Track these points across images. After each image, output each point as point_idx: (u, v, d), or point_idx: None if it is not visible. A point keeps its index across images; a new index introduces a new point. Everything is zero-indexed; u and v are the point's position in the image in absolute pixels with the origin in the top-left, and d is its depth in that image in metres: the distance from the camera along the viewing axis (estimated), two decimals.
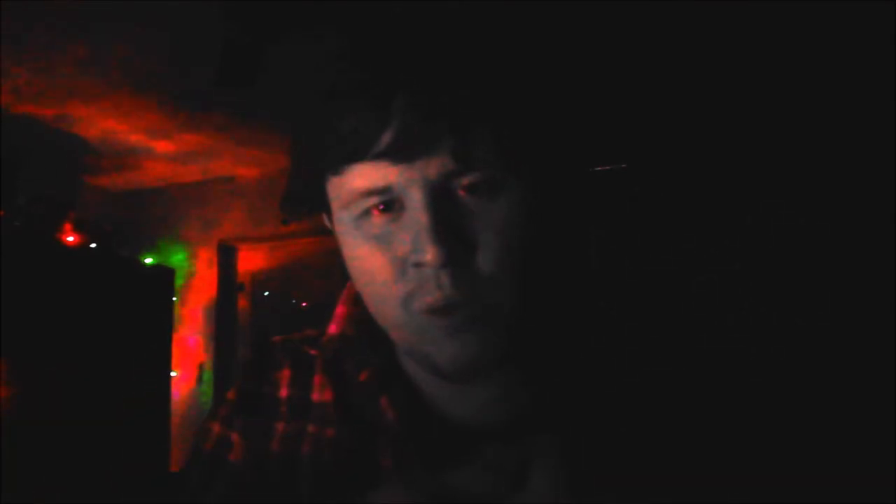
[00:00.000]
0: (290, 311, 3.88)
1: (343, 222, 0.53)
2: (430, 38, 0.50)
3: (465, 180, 0.49)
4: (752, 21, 2.21)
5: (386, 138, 0.47)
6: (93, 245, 2.91)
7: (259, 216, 3.54)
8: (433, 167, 0.48)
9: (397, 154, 0.47)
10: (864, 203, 2.39)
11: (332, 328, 0.63)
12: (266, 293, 3.97)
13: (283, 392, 0.62)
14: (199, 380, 3.50)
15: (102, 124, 2.95)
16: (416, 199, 0.48)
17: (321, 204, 0.55)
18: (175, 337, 3.22)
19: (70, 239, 2.84)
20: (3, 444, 2.21)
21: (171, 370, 3.12)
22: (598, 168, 2.61)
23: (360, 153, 0.48)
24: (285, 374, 0.63)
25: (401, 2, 0.52)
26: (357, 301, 0.62)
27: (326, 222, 0.57)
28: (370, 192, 0.49)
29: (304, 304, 4.12)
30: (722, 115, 2.59)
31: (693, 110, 2.63)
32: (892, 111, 2.21)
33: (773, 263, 2.47)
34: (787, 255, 2.47)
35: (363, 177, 0.49)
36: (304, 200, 0.57)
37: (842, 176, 2.44)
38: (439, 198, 0.48)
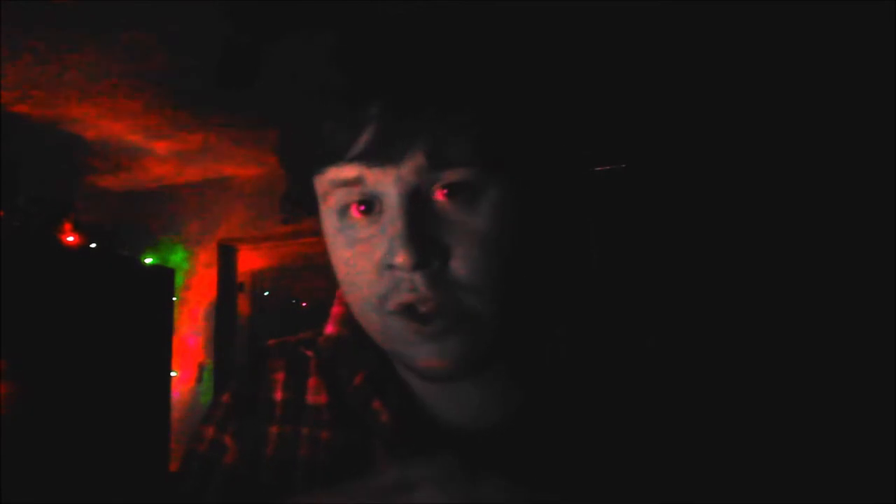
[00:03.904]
0: (290, 311, 3.88)
1: (327, 221, 0.53)
2: (406, 41, 0.50)
3: (443, 184, 0.49)
4: (752, 21, 2.19)
5: (362, 141, 0.48)
6: (93, 245, 2.91)
7: (259, 216, 3.53)
8: (407, 168, 0.48)
9: (372, 157, 0.48)
10: (863, 203, 2.38)
11: (329, 328, 0.63)
12: (266, 293, 3.96)
13: (278, 395, 0.62)
14: (199, 380, 3.49)
15: (102, 124, 2.94)
16: (392, 201, 0.49)
17: (311, 203, 0.56)
18: (175, 337, 3.22)
19: (70, 239, 2.84)
20: (2, 443, 2.21)
21: (170, 370, 3.12)
22: (598, 168, 2.60)
23: (337, 156, 0.49)
24: (280, 377, 0.63)
25: (379, 5, 0.53)
26: None
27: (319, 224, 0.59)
28: (343, 183, 0.50)
29: (304, 304, 4.12)
30: (722, 115, 2.59)
31: (693, 110, 2.63)
32: (893, 111, 2.20)
33: (774, 263, 2.47)
34: (787, 255, 2.46)
35: (339, 171, 0.50)
36: (299, 200, 0.57)
37: (842, 176, 2.43)
38: (415, 200, 0.48)
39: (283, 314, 3.88)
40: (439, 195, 0.49)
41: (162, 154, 3.30)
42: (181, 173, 3.56)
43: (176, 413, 3.23)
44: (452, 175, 0.49)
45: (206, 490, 0.60)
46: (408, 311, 0.50)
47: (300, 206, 0.58)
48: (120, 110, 2.80)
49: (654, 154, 2.71)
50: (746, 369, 0.58)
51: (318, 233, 0.58)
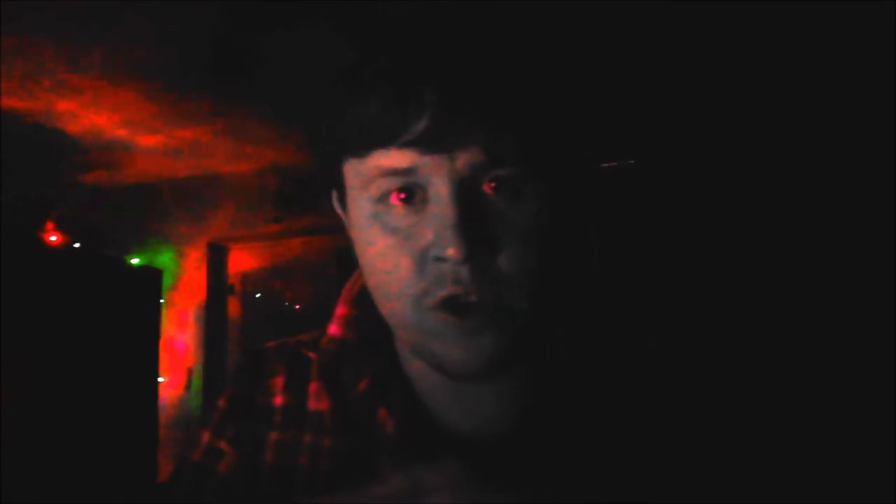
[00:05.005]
0: (283, 314, 3.85)
1: (361, 208, 0.52)
2: (464, 32, 0.51)
3: (492, 178, 0.49)
4: (753, 21, 2.23)
5: (417, 127, 0.47)
6: (77, 244, 2.89)
7: (250, 215, 3.54)
8: (462, 160, 0.48)
9: (427, 144, 0.48)
10: (864, 202, 2.45)
11: (333, 329, 0.63)
12: (258, 294, 3.93)
13: (278, 400, 0.62)
14: (188, 385, 3.49)
15: (87, 119, 2.92)
16: (441, 192, 0.49)
17: (337, 187, 0.55)
18: (162, 340, 3.22)
19: (53, 238, 2.82)
20: None
21: (158, 375, 3.11)
22: (604, 165, 2.66)
23: (389, 139, 0.48)
24: (279, 381, 0.62)
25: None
26: (357, 303, 0.63)
27: (338, 209, 0.57)
28: (393, 172, 0.49)
29: (296, 306, 4.08)
30: (722, 115, 2.67)
31: (694, 110, 2.71)
32: (893, 111, 2.22)
33: (774, 263, 2.52)
34: (787, 255, 2.52)
35: (388, 158, 0.49)
36: (292, 198, 0.53)
37: (843, 175, 2.49)
38: (466, 192, 0.49)
39: (275, 317, 3.85)
40: (486, 188, 0.50)
41: (149, 149, 3.28)
42: (169, 170, 3.55)
43: (163, 419, 3.23)
44: (503, 170, 0.49)
45: (200, 496, 0.59)
46: (449, 304, 0.50)
47: (294, 204, 0.53)
48: (105, 103, 2.78)
49: (654, 154, 2.77)
50: (747, 369, 0.59)
51: (311, 232, 0.53)
